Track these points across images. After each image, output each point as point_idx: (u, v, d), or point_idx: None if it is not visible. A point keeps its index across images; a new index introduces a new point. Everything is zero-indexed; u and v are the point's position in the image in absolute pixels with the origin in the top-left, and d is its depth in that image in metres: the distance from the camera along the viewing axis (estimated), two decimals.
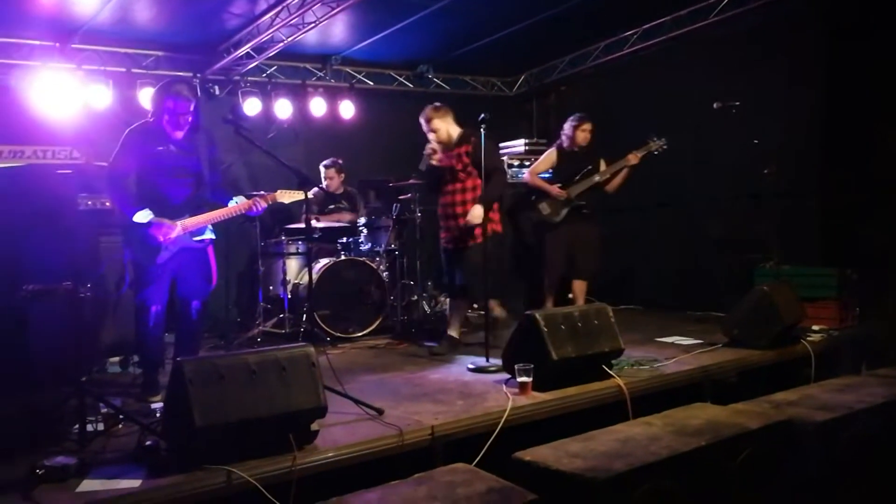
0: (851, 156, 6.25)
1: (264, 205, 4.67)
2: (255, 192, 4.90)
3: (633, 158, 6.33)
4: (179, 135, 4.47)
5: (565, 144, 6.57)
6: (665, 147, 6.32)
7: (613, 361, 4.56)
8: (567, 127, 6.57)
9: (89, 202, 5.34)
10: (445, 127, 5.50)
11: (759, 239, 6.47)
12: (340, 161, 7.42)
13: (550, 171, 6.62)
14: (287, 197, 4.84)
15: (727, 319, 5.51)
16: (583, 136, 6.49)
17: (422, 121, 5.53)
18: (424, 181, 5.86)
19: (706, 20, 6.92)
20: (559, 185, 6.48)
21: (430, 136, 5.50)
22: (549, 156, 6.66)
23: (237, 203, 4.60)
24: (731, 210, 7.07)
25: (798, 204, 6.49)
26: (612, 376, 4.36)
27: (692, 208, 7.44)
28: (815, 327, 5.73)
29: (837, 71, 6.36)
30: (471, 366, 4.91)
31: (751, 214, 6.66)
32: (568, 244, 6.51)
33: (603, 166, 6.46)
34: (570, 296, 6.63)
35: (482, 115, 5.05)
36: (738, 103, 6.07)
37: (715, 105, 6.13)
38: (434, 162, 5.51)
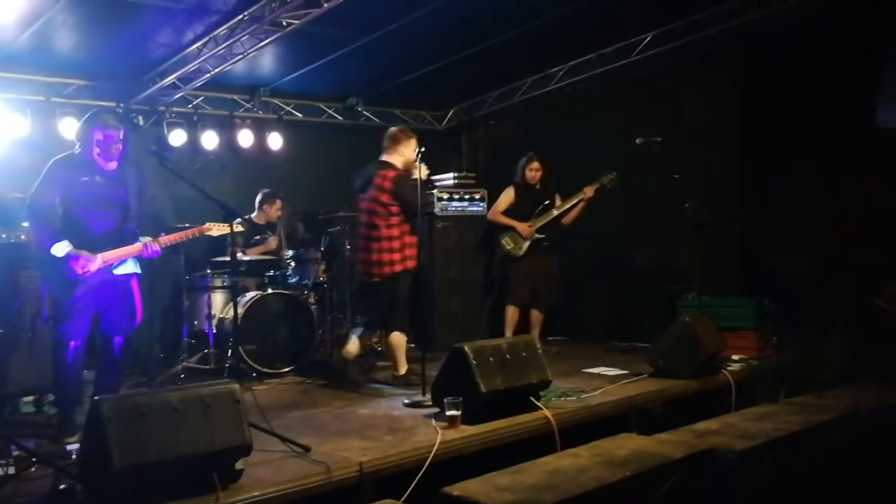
0: (767, 190, 6.51)
1: (157, 248, 4.54)
2: (181, 225, 4.80)
3: (589, 191, 6.73)
4: (113, 165, 4.38)
5: (519, 182, 6.94)
6: (615, 182, 6.70)
7: (541, 393, 4.60)
8: (519, 166, 6.96)
9: (3, 235, 5.15)
10: None
11: (682, 270, 6.66)
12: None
13: (510, 206, 6.95)
14: (216, 230, 4.77)
15: (652, 350, 5.62)
16: (531, 174, 6.92)
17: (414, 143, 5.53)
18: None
19: (629, 58, 7.15)
20: (521, 220, 6.85)
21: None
22: (508, 193, 6.99)
23: (140, 242, 4.49)
24: (653, 242, 7.26)
25: (717, 236, 6.70)
26: (540, 408, 4.40)
27: (616, 241, 7.61)
28: (735, 357, 5.90)
29: (754, 108, 6.64)
30: (406, 401, 4.88)
31: (673, 247, 6.85)
32: (530, 275, 6.86)
33: (558, 200, 6.74)
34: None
35: (417, 150, 5.15)
36: (659, 139, 6.27)
37: (637, 140, 6.33)
38: None
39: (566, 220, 6.84)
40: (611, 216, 7.53)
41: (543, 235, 6.82)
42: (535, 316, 6.92)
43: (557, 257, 6.94)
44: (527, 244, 6.81)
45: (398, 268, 5.39)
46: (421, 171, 5.36)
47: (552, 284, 6.91)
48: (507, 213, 6.93)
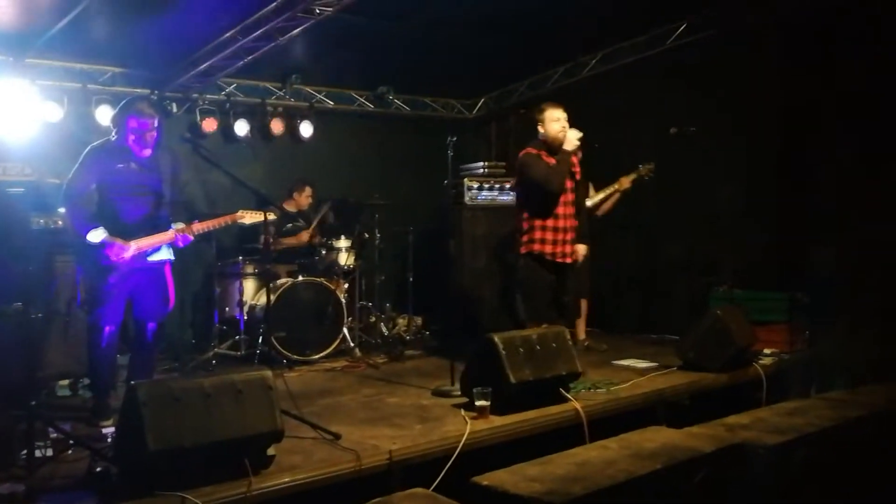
0: (803, 181, 6.41)
1: (189, 237, 4.58)
2: (213, 213, 4.84)
3: (625, 182, 6.47)
4: (147, 152, 4.43)
5: None
6: (653, 172, 6.44)
7: (571, 384, 4.59)
8: None
9: (41, 221, 5.22)
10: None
11: (713, 262, 6.59)
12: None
13: None
14: (248, 218, 4.80)
15: (681, 342, 5.59)
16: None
17: (561, 112, 5.24)
18: (561, 179, 5.14)
19: (663, 46, 7.06)
20: None
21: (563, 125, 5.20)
22: None
23: (173, 229, 4.54)
24: (686, 234, 7.19)
25: (751, 228, 6.63)
26: (569, 399, 4.40)
27: (648, 232, 7.54)
28: (766, 350, 5.84)
29: (791, 98, 6.51)
30: (434, 391, 4.89)
31: (705, 238, 6.78)
32: None
33: (591, 191, 6.52)
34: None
35: (450, 138, 5.10)
36: (693, 129, 6.20)
37: (672, 130, 6.25)
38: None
39: (600, 211, 6.62)
40: (643, 206, 7.46)
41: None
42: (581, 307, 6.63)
43: (588, 247, 6.73)
44: None
45: (522, 250, 5.23)
46: (566, 141, 5.12)
47: (584, 274, 6.49)
48: None
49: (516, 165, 5.23)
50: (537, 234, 5.16)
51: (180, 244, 4.57)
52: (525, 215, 5.24)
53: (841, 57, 6.12)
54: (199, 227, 4.66)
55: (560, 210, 5.18)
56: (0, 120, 6.32)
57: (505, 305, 7.12)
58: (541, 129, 5.25)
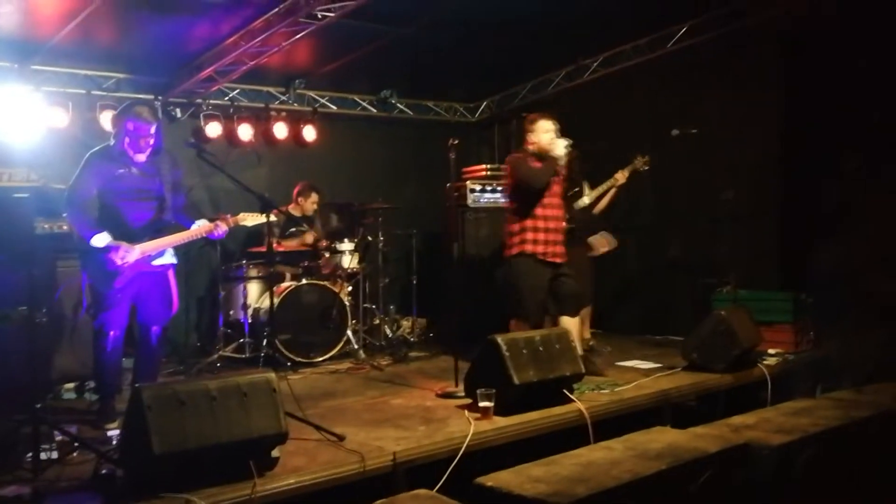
0: (806, 181, 6.40)
1: (225, 228, 4.64)
2: (216, 216, 4.86)
3: (621, 177, 6.39)
4: (141, 157, 4.43)
5: None
6: (648, 164, 6.40)
7: (575, 385, 4.59)
8: None
9: (46, 226, 5.25)
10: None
11: (717, 263, 6.59)
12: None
13: None
14: (249, 220, 4.82)
15: (686, 343, 5.59)
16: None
17: (553, 125, 5.41)
18: (544, 179, 5.32)
19: (664, 49, 7.07)
20: None
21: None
22: None
23: (199, 226, 4.57)
24: (689, 234, 7.19)
25: (754, 228, 6.62)
26: (573, 400, 4.40)
27: (651, 232, 7.54)
28: (771, 351, 5.84)
29: (794, 99, 6.52)
30: (438, 392, 4.90)
31: (708, 239, 6.78)
32: None
33: (587, 189, 6.50)
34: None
35: (452, 140, 5.12)
36: (695, 131, 6.20)
37: (673, 132, 6.24)
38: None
39: (597, 209, 6.53)
40: (645, 207, 7.47)
41: (573, 226, 6.26)
42: (584, 311, 6.33)
43: (588, 248, 6.61)
44: None
45: (513, 251, 5.36)
46: (555, 149, 5.26)
47: (587, 277, 6.42)
48: None
49: (505, 169, 5.36)
50: (529, 235, 5.30)
51: (215, 236, 4.67)
52: (516, 217, 5.39)
53: (842, 58, 6.11)
54: (234, 219, 4.72)
55: (550, 212, 5.35)
56: (5, 126, 6.35)
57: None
58: (532, 138, 5.43)
